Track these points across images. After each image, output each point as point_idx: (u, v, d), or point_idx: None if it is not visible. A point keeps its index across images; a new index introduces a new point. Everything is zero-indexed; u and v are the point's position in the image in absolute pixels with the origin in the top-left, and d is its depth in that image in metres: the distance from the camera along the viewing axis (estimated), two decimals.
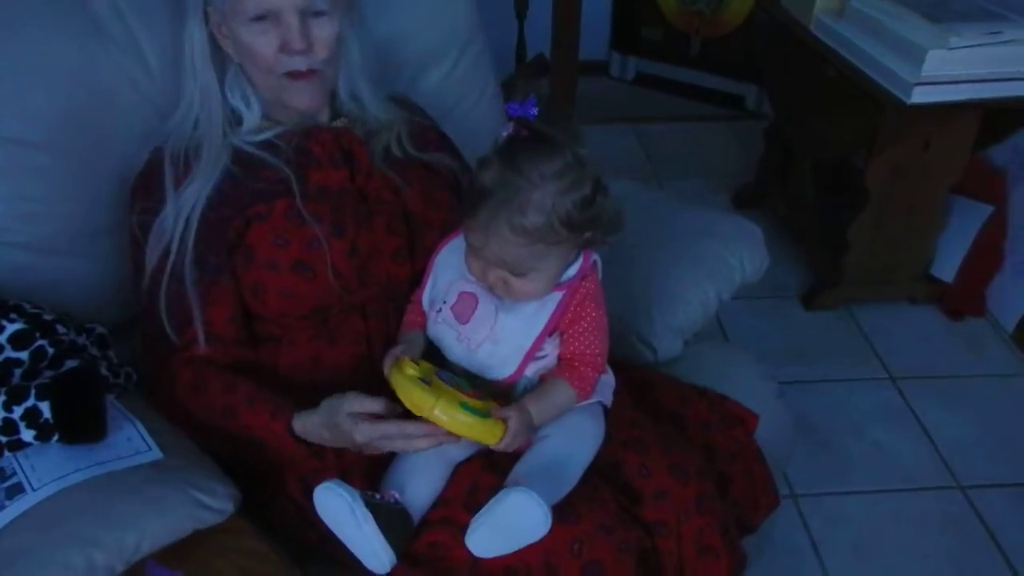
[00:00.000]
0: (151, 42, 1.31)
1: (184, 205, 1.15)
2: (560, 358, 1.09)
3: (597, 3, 3.48)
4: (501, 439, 0.99)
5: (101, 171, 1.29)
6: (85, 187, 1.28)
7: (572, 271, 1.07)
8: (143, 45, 1.31)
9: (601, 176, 1.02)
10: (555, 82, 3.08)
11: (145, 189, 1.19)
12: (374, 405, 1.02)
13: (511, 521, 0.96)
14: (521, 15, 2.98)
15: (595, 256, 1.09)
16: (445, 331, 1.09)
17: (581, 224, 1.01)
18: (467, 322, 1.07)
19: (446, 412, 0.97)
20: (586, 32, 3.08)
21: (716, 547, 1.10)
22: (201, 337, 1.14)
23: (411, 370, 1.00)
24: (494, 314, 1.06)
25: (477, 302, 1.07)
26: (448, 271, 1.12)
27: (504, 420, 1.00)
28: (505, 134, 1.02)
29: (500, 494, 0.97)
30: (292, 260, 1.15)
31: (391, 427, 1.02)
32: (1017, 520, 1.88)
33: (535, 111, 1.02)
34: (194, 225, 1.14)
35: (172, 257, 1.14)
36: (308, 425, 1.07)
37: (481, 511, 0.97)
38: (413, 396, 0.98)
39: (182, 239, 1.14)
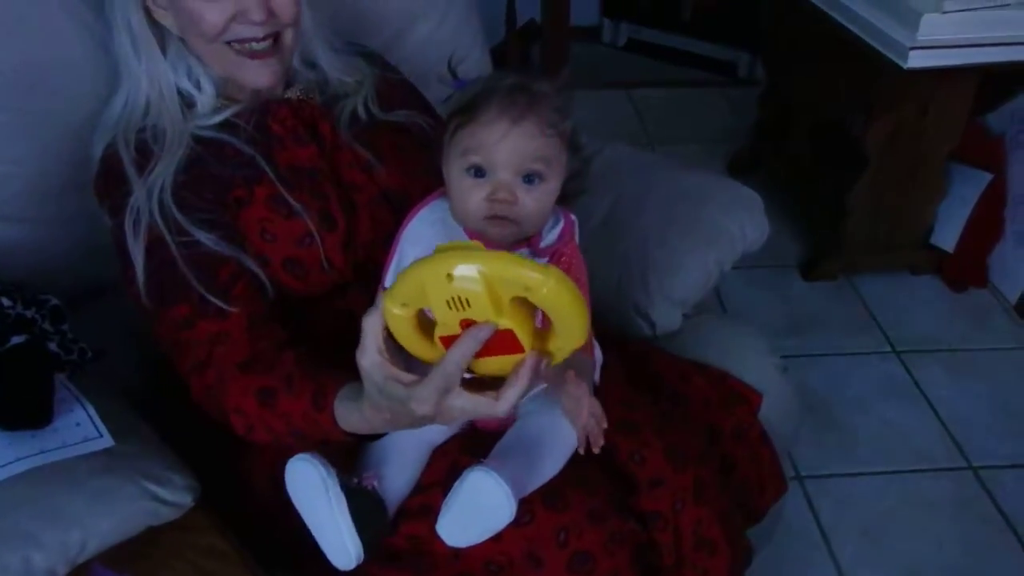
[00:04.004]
0: None
1: (153, 185, 1.05)
2: None
3: None
4: (552, 287, 0.72)
5: (58, 131, 1.21)
6: (40, 148, 1.21)
7: (553, 235, 0.99)
8: None
9: None
10: (546, 48, 3.02)
11: (107, 188, 1.10)
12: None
13: (473, 503, 0.89)
14: None
15: (573, 216, 1.02)
16: None
17: (577, 147, 0.97)
18: None
19: (481, 252, 0.72)
20: None
21: (715, 540, 1.04)
22: (253, 264, 1.04)
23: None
24: None
25: None
26: (416, 246, 1.01)
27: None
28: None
29: (463, 474, 0.90)
30: (282, 257, 1.07)
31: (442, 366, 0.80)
32: None
33: None
34: (169, 201, 1.04)
35: (168, 236, 1.03)
36: (358, 419, 0.93)
37: (448, 495, 0.91)
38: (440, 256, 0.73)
39: (164, 216, 1.04)
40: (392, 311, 0.77)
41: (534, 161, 0.92)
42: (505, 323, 0.75)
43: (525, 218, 0.94)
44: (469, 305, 0.73)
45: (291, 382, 0.97)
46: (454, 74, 0.97)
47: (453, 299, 0.73)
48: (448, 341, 0.77)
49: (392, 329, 0.79)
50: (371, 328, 0.81)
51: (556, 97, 0.93)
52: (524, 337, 0.76)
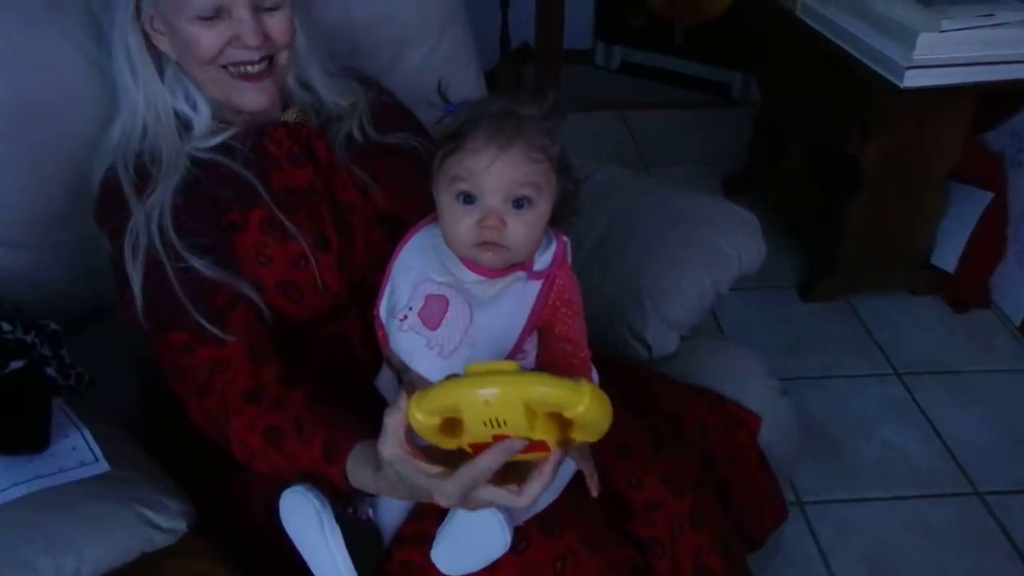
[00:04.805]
0: (107, 15, 1.19)
1: (152, 209, 1.05)
2: (560, 355, 0.99)
3: None
4: (587, 405, 0.73)
5: (53, 155, 1.21)
6: (34, 173, 1.21)
7: (547, 258, 0.99)
8: (100, 17, 1.21)
9: None
10: (539, 71, 3.04)
11: (107, 211, 1.10)
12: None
13: (468, 534, 0.89)
14: (505, 4, 2.97)
15: (566, 238, 1.02)
16: (412, 340, 0.98)
17: (568, 169, 0.96)
18: (438, 327, 0.96)
19: (520, 379, 0.74)
20: (570, 21, 3.08)
21: (715, 568, 1.02)
22: (250, 290, 1.04)
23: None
24: (469, 314, 0.96)
25: (448, 304, 0.96)
26: (408, 274, 1.01)
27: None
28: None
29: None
30: (277, 280, 1.07)
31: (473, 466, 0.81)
32: None
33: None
34: (168, 225, 1.04)
35: (166, 261, 1.03)
36: (371, 485, 0.93)
37: (443, 524, 0.91)
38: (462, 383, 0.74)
39: (163, 240, 1.04)
40: (417, 417, 0.77)
41: (523, 187, 0.92)
42: (538, 436, 0.76)
43: (515, 243, 0.94)
44: (505, 424, 0.75)
45: (301, 427, 0.96)
46: (444, 97, 0.97)
47: (490, 420, 0.74)
48: (478, 447, 0.79)
49: (415, 429, 0.79)
50: (392, 425, 0.81)
51: (545, 120, 0.93)
52: (552, 442, 0.78)
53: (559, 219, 0.99)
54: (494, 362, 0.76)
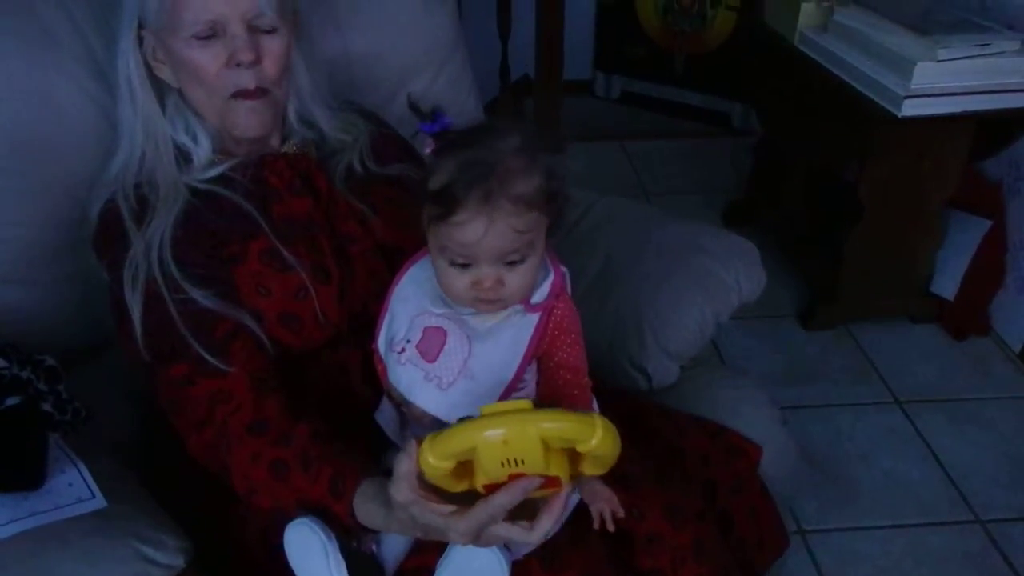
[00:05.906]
0: (106, 50, 1.23)
1: (152, 239, 1.06)
2: (560, 383, 0.99)
3: (580, 23, 3.52)
4: (600, 438, 0.76)
5: (51, 190, 1.22)
6: (33, 208, 1.21)
7: (544, 290, 0.98)
8: (97, 53, 1.23)
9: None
10: (539, 102, 3.05)
11: (107, 242, 1.10)
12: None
13: (466, 566, 0.89)
14: (504, 36, 2.99)
15: (564, 268, 1.01)
16: (411, 373, 0.98)
17: (555, 196, 0.92)
18: (436, 359, 0.96)
19: (536, 415, 0.76)
20: (570, 52, 3.08)
21: None
22: (250, 321, 1.03)
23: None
24: (467, 346, 0.95)
25: (445, 336, 0.96)
26: (406, 305, 1.01)
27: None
28: (428, 150, 0.92)
29: None
30: (277, 311, 1.07)
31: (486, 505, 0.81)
32: None
33: (448, 120, 0.92)
34: (168, 257, 1.05)
35: (166, 292, 1.03)
36: (382, 524, 0.93)
37: (442, 558, 0.90)
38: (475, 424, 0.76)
39: (162, 271, 1.04)
40: (430, 462, 0.78)
41: (515, 249, 0.90)
42: (553, 472, 0.78)
43: (513, 294, 0.93)
44: (522, 463, 0.76)
45: (307, 462, 0.96)
46: (416, 110, 0.92)
47: (507, 460, 0.76)
48: (492, 487, 0.79)
49: (427, 474, 0.80)
50: (404, 471, 0.82)
51: (528, 161, 0.89)
52: (565, 477, 0.79)
53: (549, 237, 0.97)
54: (507, 401, 0.78)
